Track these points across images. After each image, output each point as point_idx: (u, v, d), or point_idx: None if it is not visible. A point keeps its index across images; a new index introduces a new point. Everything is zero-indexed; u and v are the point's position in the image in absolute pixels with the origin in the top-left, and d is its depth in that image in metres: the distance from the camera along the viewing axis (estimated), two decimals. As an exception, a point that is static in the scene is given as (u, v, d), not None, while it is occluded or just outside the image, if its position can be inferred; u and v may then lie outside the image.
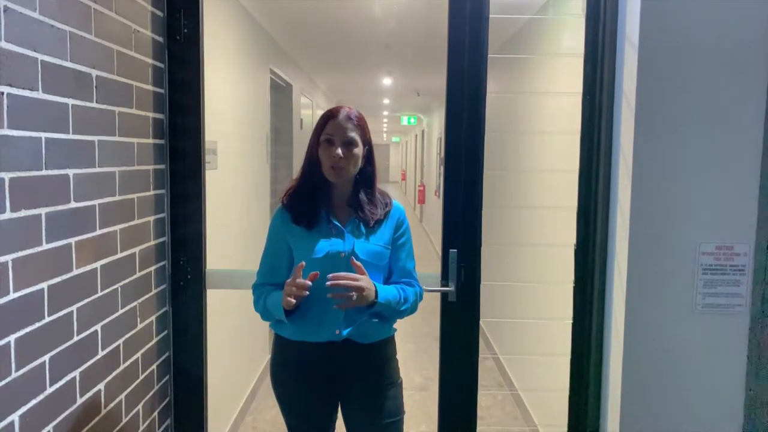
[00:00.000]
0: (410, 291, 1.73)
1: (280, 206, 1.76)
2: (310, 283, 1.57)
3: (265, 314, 1.74)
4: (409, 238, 1.79)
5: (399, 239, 1.75)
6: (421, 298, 1.79)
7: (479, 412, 2.02)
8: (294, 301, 1.57)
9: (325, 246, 1.66)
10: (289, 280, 1.59)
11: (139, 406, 1.83)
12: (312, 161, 1.70)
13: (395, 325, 1.78)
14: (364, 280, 1.58)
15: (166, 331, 2.00)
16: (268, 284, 1.75)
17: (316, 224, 1.69)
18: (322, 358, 1.70)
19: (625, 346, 1.73)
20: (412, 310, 1.75)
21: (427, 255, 8.65)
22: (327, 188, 1.72)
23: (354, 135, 1.66)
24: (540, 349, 3.22)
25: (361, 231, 1.69)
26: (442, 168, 1.98)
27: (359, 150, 1.67)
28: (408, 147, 19.96)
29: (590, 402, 1.89)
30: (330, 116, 1.68)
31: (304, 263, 1.59)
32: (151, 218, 1.88)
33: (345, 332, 1.67)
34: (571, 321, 1.92)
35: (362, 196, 1.72)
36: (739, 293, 1.70)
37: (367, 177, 1.73)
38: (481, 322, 2.00)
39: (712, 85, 1.65)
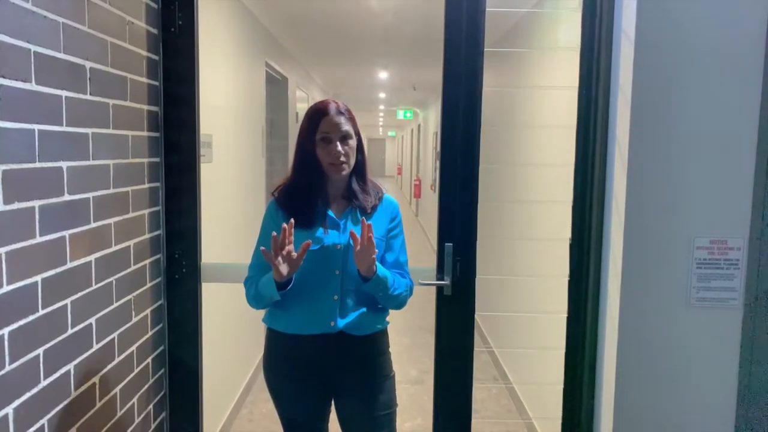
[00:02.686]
0: (401, 280, 1.74)
1: (272, 200, 1.75)
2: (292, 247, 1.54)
3: (258, 299, 1.71)
4: (401, 232, 1.80)
5: (392, 231, 1.77)
6: (410, 292, 1.78)
7: (474, 405, 2.03)
8: (286, 269, 1.55)
9: (320, 239, 1.66)
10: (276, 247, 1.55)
11: (134, 400, 1.83)
12: (307, 161, 1.69)
13: (388, 318, 1.78)
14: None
15: (161, 325, 2.00)
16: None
17: (313, 220, 1.69)
18: (315, 350, 1.70)
19: (620, 339, 1.73)
20: (401, 301, 1.74)
21: (422, 249, 8.66)
22: (323, 184, 1.71)
23: (348, 128, 1.67)
24: (535, 342, 3.23)
25: (357, 219, 1.69)
26: (438, 162, 1.98)
27: (354, 142, 1.69)
28: (404, 141, 19.93)
29: (584, 395, 1.90)
30: (322, 114, 1.66)
31: (293, 221, 1.57)
32: (146, 211, 1.87)
33: (340, 324, 1.67)
34: (566, 315, 1.93)
35: (355, 185, 1.73)
36: (733, 287, 1.71)
37: (359, 166, 1.74)
38: (476, 316, 2.00)
39: (708, 79, 1.65)
